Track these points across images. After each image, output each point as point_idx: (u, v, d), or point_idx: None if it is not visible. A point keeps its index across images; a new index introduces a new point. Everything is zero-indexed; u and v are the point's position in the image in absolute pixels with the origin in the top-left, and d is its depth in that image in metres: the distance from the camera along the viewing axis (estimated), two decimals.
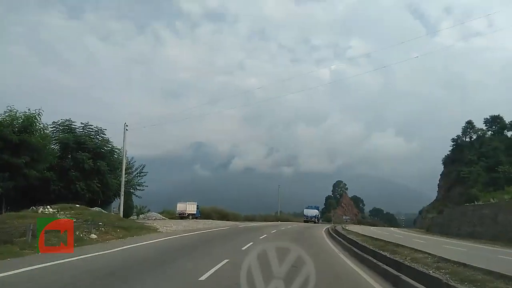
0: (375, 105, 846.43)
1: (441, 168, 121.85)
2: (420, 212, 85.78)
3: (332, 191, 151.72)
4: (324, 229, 39.39)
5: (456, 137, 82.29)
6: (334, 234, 26.19)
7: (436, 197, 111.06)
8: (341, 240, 21.15)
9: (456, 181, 73.24)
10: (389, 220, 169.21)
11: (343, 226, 45.89)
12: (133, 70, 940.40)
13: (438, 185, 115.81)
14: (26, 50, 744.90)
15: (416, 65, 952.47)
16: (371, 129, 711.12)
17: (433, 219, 54.07)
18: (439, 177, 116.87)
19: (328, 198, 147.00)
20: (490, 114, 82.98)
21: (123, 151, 36.60)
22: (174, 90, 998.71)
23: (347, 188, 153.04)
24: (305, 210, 76.06)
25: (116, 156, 37.60)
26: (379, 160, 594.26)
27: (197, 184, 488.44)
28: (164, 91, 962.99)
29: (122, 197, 35.11)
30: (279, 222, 59.13)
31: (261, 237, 24.20)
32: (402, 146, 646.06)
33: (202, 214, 58.69)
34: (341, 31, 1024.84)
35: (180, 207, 55.60)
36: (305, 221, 69.96)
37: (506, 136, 79.55)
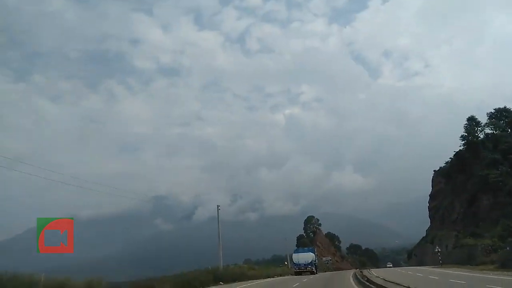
0: (331, 145, 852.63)
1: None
2: (430, 241, 61.37)
3: (303, 228, 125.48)
4: None
5: (465, 134, 60.30)
6: None
7: (431, 222, 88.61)
8: None
9: (481, 190, 50.84)
10: (370, 257, 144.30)
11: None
12: (88, 129, 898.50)
13: (428, 207, 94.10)
14: None
15: (364, 104, 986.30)
16: (330, 168, 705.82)
17: None
18: (428, 198, 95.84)
19: (300, 237, 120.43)
20: (495, 107, 63.45)
21: None
22: (132, 145, 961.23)
23: (320, 224, 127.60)
24: (294, 255, 49.97)
25: None
26: (342, 198, 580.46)
27: (159, 239, 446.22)
28: (122, 147, 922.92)
29: None
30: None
31: None
32: (361, 181, 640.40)
33: None
34: (292, 78, 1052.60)
35: None
36: (296, 273, 45.91)
37: None
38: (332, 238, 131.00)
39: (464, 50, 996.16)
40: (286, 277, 44.21)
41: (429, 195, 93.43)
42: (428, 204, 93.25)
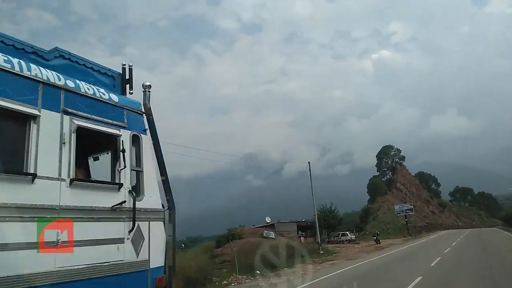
0: (430, 87, 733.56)
1: None
2: None
3: (376, 165, 78.61)
4: None
5: None
6: None
7: None
8: None
9: None
10: (486, 205, 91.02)
11: None
12: (180, 95, 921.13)
13: None
14: None
15: (467, 38, 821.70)
16: (429, 112, 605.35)
17: None
18: None
19: (372, 178, 74.50)
20: None
21: None
22: (221, 107, 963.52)
23: (403, 157, 78.92)
24: None
25: None
26: (443, 144, 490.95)
27: (250, 195, 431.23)
28: (212, 109, 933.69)
29: None
30: None
31: None
32: (465, 124, 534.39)
33: None
34: (380, 18, 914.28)
35: None
36: None
37: None
38: (424, 178, 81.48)
39: None
40: None
41: None
42: None
